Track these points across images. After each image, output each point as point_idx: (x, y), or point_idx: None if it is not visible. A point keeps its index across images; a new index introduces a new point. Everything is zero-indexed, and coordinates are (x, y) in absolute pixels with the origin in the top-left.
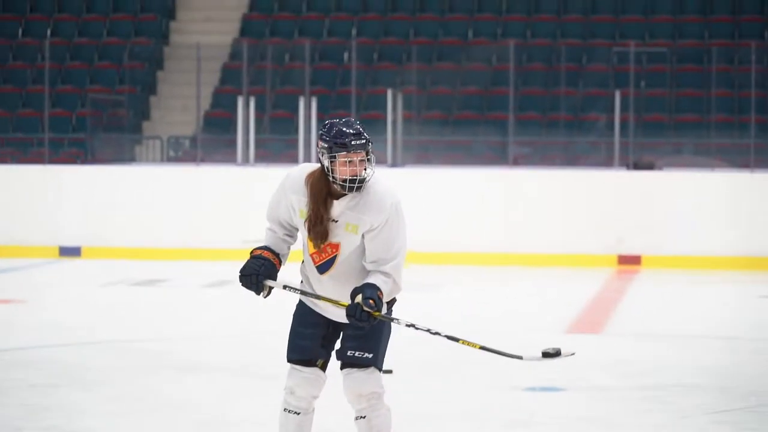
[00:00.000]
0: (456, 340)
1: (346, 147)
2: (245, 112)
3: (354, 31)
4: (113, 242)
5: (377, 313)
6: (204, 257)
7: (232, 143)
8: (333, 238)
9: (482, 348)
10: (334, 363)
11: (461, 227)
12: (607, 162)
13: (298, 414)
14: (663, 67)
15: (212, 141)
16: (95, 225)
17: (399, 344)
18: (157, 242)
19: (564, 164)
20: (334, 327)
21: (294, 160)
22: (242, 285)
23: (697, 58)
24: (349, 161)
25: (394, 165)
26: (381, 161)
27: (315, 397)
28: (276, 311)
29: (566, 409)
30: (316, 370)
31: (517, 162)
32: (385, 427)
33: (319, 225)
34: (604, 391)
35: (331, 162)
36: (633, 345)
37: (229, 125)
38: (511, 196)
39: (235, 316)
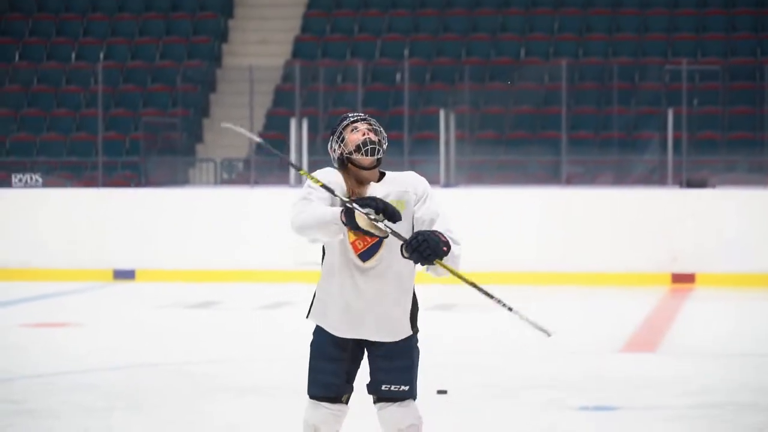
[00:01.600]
0: (491, 296)
1: (346, 120)
2: (298, 133)
3: (406, 52)
4: (167, 265)
5: (439, 262)
6: (257, 279)
7: (286, 165)
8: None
9: (511, 310)
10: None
11: (515, 246)
12: (660, 180)
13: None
14: (715, 84)
15: (265, 163)
16: (149, 248)
17: (451, 369)
18: (210, 264)
19: (617, 183)
20: (355, 356)
21: None
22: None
23: (749, 76)
24: (356, 129)
25: (447, 185)
26: (434, 181)
27: (338, 431)
28: None
29: (620, 429)
30: (341, 406)
31: (570, 181)
32: None
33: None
34: (658, 410)
35: (342, 142)
36: (687, 363)
37: (282, 147)
38: (565, 216)
39: (289, 338)
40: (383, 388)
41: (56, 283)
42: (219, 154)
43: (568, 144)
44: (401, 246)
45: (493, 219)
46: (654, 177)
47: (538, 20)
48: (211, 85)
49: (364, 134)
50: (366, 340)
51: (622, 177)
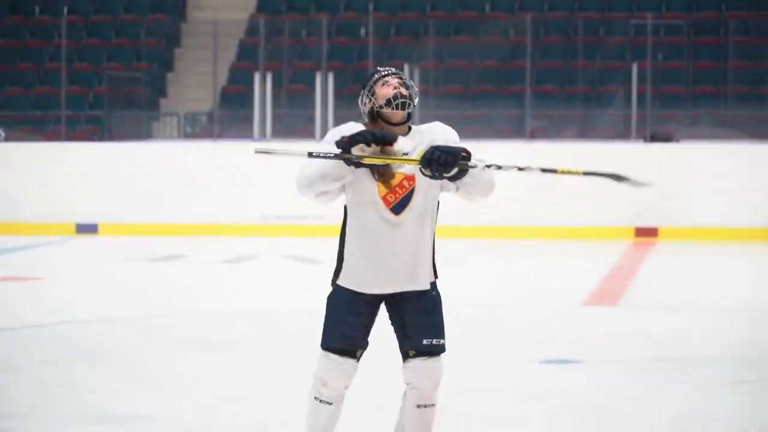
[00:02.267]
0: (554, 171)
1: (378, 73)
2: (262, 87)
3: (371, 6)
4: (130, 219)
5: (463, 165)
6: (222, 233)
7: (249, 119)
8: (408, 170)
9: (585, 173)
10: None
11: (479, 201)
12: (624, 134)
13: (330, 404)
14: (680, 39)
15: (229, 117)
16: (112, 202)
17: None
18: (174, 218)
19: (581, 137)
20: (373, 311)
21: (311, 135)
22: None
23: (714, 30)
24: (387, 83)
25: None
26: None
27: (347, 387)
28: (296, 287)
29: (583, 382)
30: (353, 362)
31: (534, 135)
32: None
33: (382, 166)
34: (622, 364)
35: (373, 96)
36: (650, 317)
37: (246, 101)
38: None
39: (255, 291)
40: (425, 342)
41: (18, 237)
42: (182, 108)
43: (532, 98)
44: (420, 165)
45: None
46: (618, 131)
47: None
48: (175, 39)
49: (395, 88)
50: (390, 297)
51: (586, 131)
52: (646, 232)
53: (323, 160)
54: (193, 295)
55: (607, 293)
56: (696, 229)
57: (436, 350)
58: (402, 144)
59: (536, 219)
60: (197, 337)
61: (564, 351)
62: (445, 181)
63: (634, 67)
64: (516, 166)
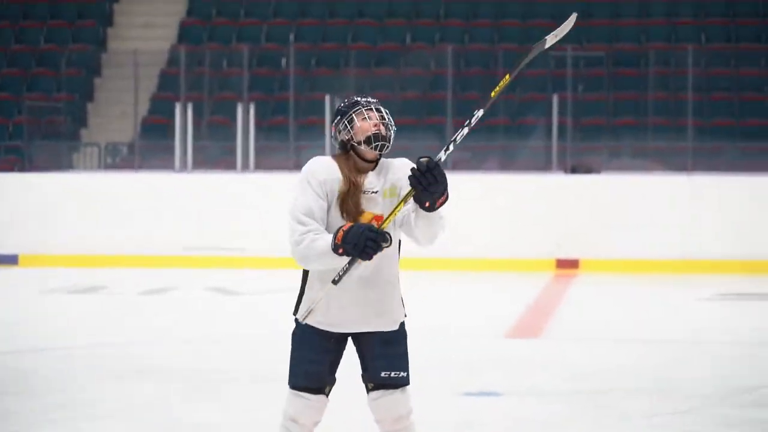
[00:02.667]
0: (491, 99)
1: (359, 104)
2: (183, 118)
3: (292, 37)
4: (51, 250)
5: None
6: (143, 264)
7: (170, 149)
8: (375, 209)
9: (510, 75)
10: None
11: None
12: (545, 166)
13: None
14: (600, 71)
15: (150, 147)
16: (32, 233)
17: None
18: (95, 249)
19: (502, 168)
20: (340, 347)
21: (232, 166)
22: (369, 251)
23: (634, 62)
24: (368, 117)
25: None
26: None
27: (317, 424)
28: (218, 317)
29: (506, 414)
30: (323, 398)
31: (456, 167)
32: None
33: (353, 194)
34: (543, 396)
35: (351, 126)
36: (572, 349)
37: (167, 131)
38: (451, 201)
39: (174, 323)
40: (383, 374)
41: None
42: (103, 139)
43: (453, 129)
44: (414, 197)
45: None
46: (539, 163)
47: (424, 5)
48: (95, 70)
49: (376, 126)
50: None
51: (507, 163)
52: (568, 264)
53: (314, 249)
54: (116, 325)
55: (529, 325)
56: (617, 261)
57: (396, 383)
58: (369, 182)
59: (457, 251)
60: (123, 366)
61: (485, 382)
62: (407, 212)
63: (555, 99)
64: (451, 141)
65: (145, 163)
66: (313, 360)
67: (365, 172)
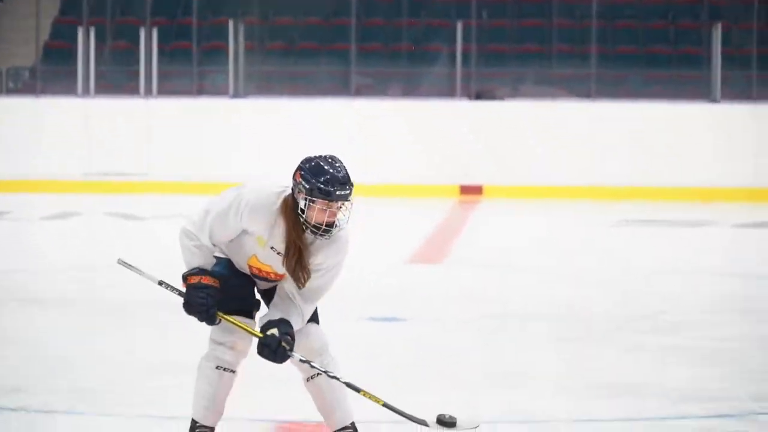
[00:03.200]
0: (357, 390)
1: (329, 196)
2: (85, 42)
3: None
4: None
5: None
6: (45, 189)
7: (73, 75)
8: (281, 269)
9: (385, 405)
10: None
11: (302, 157)
12: (449, 92)
13: (234, 372)
14: None
15: (52, 72)
16: None
17: None
18: None
19: (406, 95)
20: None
21: (135, 91)
22: (191, 315)
23: None
24: (327, 208)
25: (236, 96)
26: (223, 92)
27: (245, 355)
28: (119, 243)
29: (408, 339)
30: (253, 322)
31: (359, 92)
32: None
33: (294, 259)
34: (446, 321)
35: (308, 205)
36: (475, 275)
37: (70, 56)
38: (354, 128)
39: (78, 248)
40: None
41: None
42: (5, 63)
43: (357, 55)
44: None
45: (281, 130)
46: (443, 89)
47: None
48: None
49: (329, 220)
50: None
51: (411, 89)
52: (471, 190)
53: (185, 255)
54: (16, 251)
55: (432, 251)
56: (521, 188)
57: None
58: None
59: (359, 176)
60: (20, 294)
61: (388, 309)
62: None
63: (459, 25)
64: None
65: (47, 88)
66: (238, 285)
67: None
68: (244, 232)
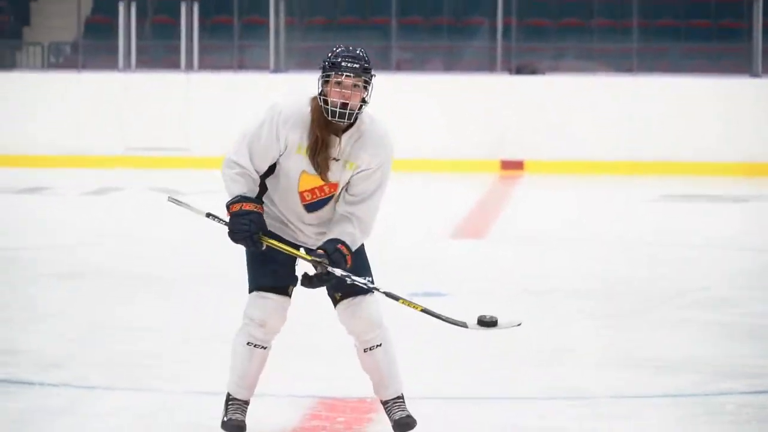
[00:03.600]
0: (396, 299)
1: (337, 67)
2: (126, 17)
3: None
4: None
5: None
6: (86, 164)
7: (114, 49)
8: (332, 177)
9: (424, 311)
10: None
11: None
12: (489, 66)
13: (265, 348)
14: None
15: (93, 47)
16: None
17: None
18: (38, 149)
19: (447, 69)
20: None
21: (176, 65)
22: (237, 243)
23: None
24: (340, 83)
25: (276, 71)
26: (264, 67)
27: (279, 331)
28: (163, 216)
29: (449, 313)
30: (287, 300)
31: (400, 66)
32: (395, 350)
33: (323, 152)
34: (487, 296)
35: (325, 83)
36: (516, 250)
37: (110, 31)
38: (395, 101)
39: (117, 223)
40: (348, 282)
41: None
42: (46, 38)
43: (397, 29)
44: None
45: None
46: (484, 63)
47: None
48: None
49: (343, 96)
50: None
51: (452, 63)
52: (512, 165)
53: (227, 184)
54: (57, 226)
55: (473, 226)
56: (561, 162)
57: (361, 289)
58: (335, 148)
59: (399, 151)
60: (63, 268)
61: (431, 284)
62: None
63: None
64: (403, 299)
65: (88, 62)
66: (272, 260)
67: (336, 132)
68: (286, 149)
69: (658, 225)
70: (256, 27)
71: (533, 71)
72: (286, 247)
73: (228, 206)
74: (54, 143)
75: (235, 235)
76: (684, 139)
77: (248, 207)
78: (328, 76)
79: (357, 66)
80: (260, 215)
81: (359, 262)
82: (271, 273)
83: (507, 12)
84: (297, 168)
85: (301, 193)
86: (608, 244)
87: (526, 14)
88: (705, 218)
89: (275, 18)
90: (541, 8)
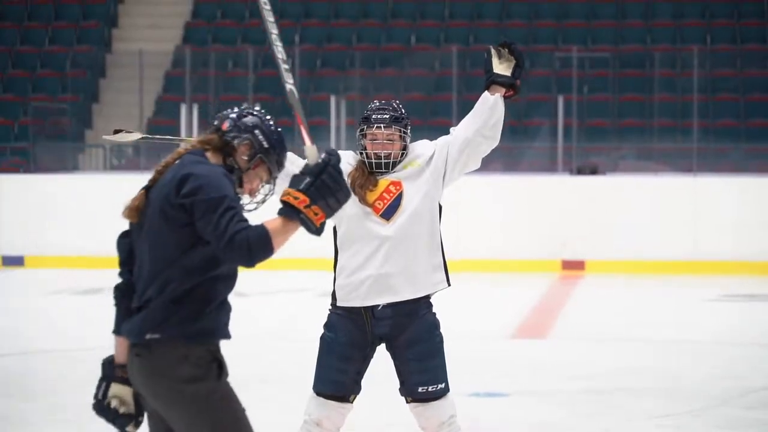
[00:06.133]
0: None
1: (368, 120)
2: (188, 119)
3: (297, 38)
4: (57, 251)
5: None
6: None
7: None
8: (393, 177)
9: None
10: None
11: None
12: (550, 167)
13: None
14: (605, 72)
15: (155, 148)
16: (38, 234)
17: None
18: (101, 250)
19: (508, 170)
20: (366, 355)
21: None
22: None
23: (639, 63)
24: (374, 138)
25: None
26: None
27: (340, 428)
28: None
29: (512, 415)
30: (348, 405)
31: None
32: None
33: (362, 178)
34: (550, 396)
35: (362, 137)
36: (578, 349)
37: (173, 132)
38: (456, 202)
39: None
40: (420, 390)
41: None
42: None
43: None
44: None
45: None
46: (544, 164)
47: (429, 6)
48: (100, 71)
49: (378, 148)
50: (388, 341)
51: (512, 164)
52: (573, 265)
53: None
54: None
55: (535, 326)
56: (622, 262)
57: (433, 396)
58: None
59: (461, 252)
60: None
61: (491, 383)
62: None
63: (560, 100)
64: None
65: (150, 164)
66: (339, 369)
67: (373, 183)
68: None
69: (719, 324)
70: (317, 128)
71: (594, 171)
72: None
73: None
74: (115, 244)
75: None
76: (745, 239)
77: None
78: (363, 130)
79: (387, 117)
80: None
81: (439, 364)
82: (331, 382)
83: (568, 113)
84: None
85: (372, 206)
86: (669, 344)
87: (587, 115)
88: (765, 318)
89: (336, 119)
90: (602, 109)
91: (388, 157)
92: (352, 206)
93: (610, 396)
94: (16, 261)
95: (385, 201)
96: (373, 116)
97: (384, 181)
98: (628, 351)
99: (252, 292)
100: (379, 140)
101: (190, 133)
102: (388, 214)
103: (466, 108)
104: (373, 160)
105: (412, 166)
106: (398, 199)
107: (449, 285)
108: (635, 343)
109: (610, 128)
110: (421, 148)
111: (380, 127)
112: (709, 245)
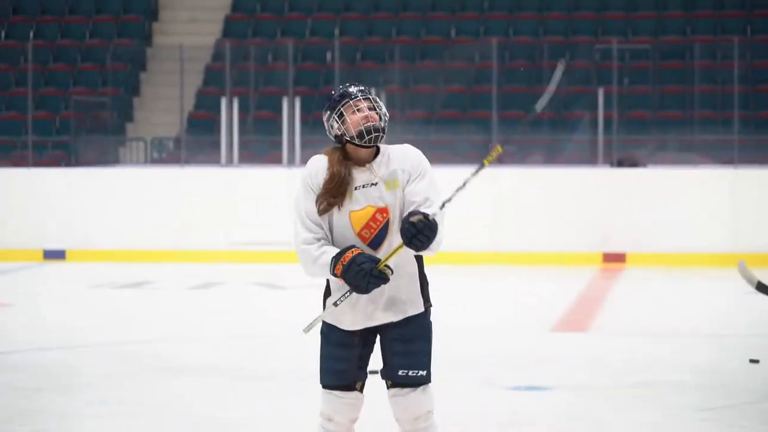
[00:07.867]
0: (482, 166)
1: (347, 96)
2: (229, 112)
3: (337, 31)
4: (98, 245)
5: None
6: (189, 259)
7: (216, 144)
8: (379, 202)
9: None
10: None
11: (447, 226)
12: (591, 159)
13: None
14: (646, 63)
15: (196, 142)
16: (80, 228)
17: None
18: (141, 244)
19: (548, 162)
20: (367, 340)
21: (278, 160)
22: (372, 289)
23: (679, 55)
24: (358, 109)
25: None
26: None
27: (355, 421)
28: (263, 313)
29: (552, 409)
30: (356, 394)
31: (501, 161)
32: None
33: (342, 184)
34: (590, 390)
35: (341, 121)
36: (619, 343)
37: (213, 126)
38: (496, 195)
39: (223, 317)
40: (400, 373)
41: None
42: (149, 133)
43: (498, 123)
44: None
45: None
46: (585, 156)
47: None
48: (141, 64)
49: (366, 118)
50: (379, 325)
51: (553, 156)
52: (614, 258)
53: (317, 264)
54: (160, 321)
55: (576, 319)
56: (664, 255)
57: (413, 382)
58: (368, 175)
59: (502, 245)
60: (166, 363)
61: (532, 377)
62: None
63: (600, 92)
64: (456, 190)
65: (191, 157)
66: (338, 357)
67: (363, 164)
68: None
69: (760, 318)
70: None
71: (634, 164)
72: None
73: (335, 273)
74: (157, 238)
75: (360, 288)
76: None
77: (346, 259)
78: (342, 113)
79: (363, 88)
80: (361, 253)
81: (423, 350)
82: (335, 372)
83: (608, 105)
84: (343, 212)
85: (359, 235)
86: (710, 337)
87: (627, 107)
88: None
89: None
90: (642, 101)
91: (377, 130)
92: (339, 217)
93: (650, 390)
94: (57, 255)
95: (372, 230)
96: (353, 89)
97: (370, 208)
98: (668, 345)
99: (289, 285)
100: (364, 110)
101: (230, 127)
102: (375, 244)
103: (505, 100)
104: (365, 135)
105: (394, 188)
106: (385, 227)
107: (426, 307)
108: (675, 337)
109: (650, 120)
110: (398, 161)
111: (359, 99)
112: (750, 237)
